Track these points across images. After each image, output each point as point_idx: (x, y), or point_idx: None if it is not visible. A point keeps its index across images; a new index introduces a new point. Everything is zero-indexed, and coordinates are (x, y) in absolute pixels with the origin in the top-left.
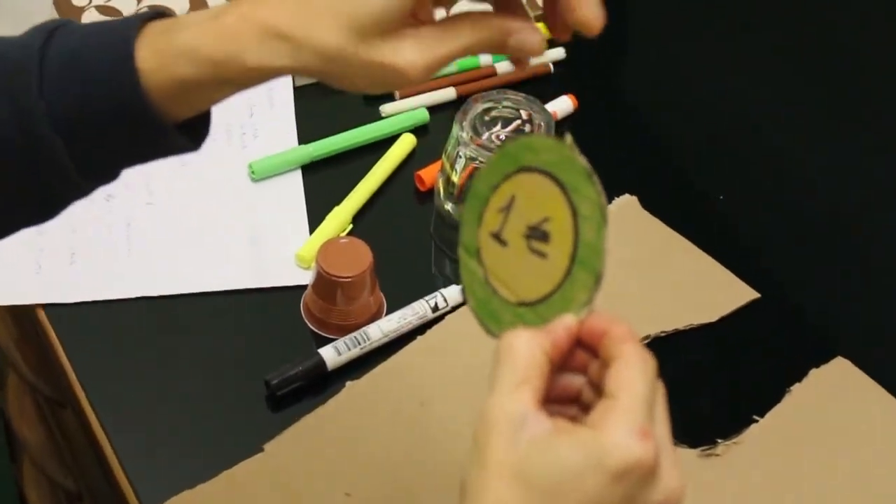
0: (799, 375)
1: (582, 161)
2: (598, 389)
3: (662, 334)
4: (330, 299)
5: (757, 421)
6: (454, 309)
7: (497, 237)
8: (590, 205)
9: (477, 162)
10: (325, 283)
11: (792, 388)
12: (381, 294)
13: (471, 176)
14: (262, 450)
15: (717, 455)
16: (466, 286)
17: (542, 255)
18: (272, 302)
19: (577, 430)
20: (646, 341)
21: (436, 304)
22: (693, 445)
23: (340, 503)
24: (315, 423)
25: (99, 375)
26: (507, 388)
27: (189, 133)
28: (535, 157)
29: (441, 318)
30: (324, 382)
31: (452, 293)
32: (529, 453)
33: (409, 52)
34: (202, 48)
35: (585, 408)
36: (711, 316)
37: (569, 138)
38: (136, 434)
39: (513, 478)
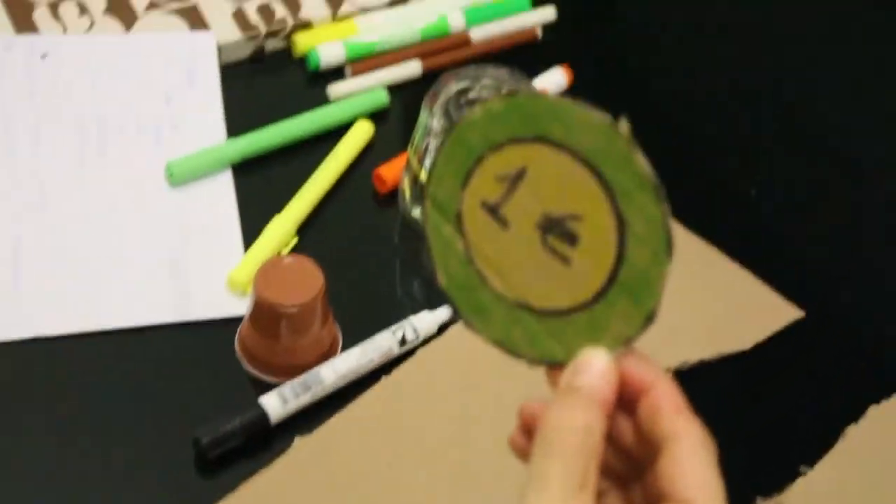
0: (855, 414)
1: (643, 163)
2: (630, 457)
3: (685, 367)
4: (272, 334)
5: (804, 473)
6: (426, 341)
7: (493, 211)
8: (648, 224)
9: None
10: (266, 314)
11: (847, 430)
12: (336, 326)
13: None
14: None
15: None
16: (437, 255)
17: (563, 258)
18: (199, 339)
19: None
20: None
21: (403, 336)
22: None
23: None
24: (257, 490)
25: None
26: (563, 495)
27: None
28: (567, 134)
29: (410, 353)
30: (267, 439)
31: (424, 322)
32: None
33: None
34: None
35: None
36: (745, 342)
37: (624, 125)
38: None
39: None
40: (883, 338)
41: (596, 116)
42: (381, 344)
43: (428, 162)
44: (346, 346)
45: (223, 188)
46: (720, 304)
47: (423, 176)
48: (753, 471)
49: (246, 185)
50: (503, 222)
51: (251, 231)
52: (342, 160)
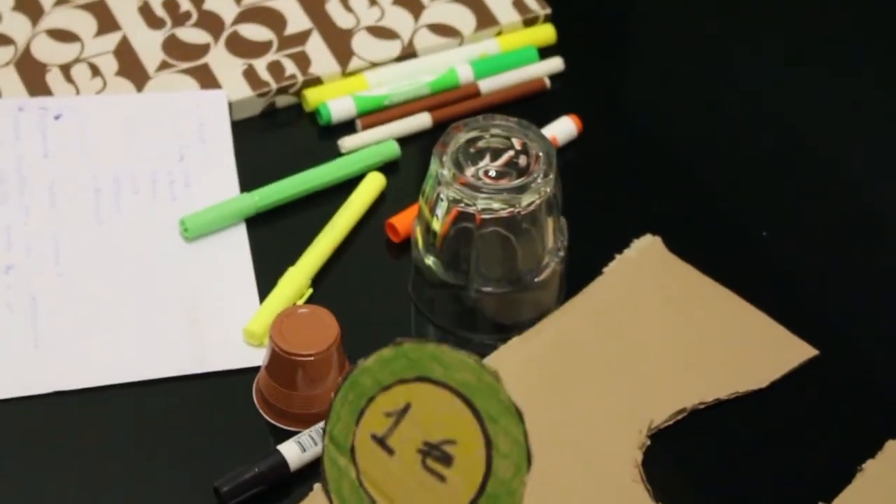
0: (872, 449)
1: (506, 393)
2: None
3: (701, 406)
4: (289, 383)
5: None
6: None
7: (381, 442)
8: (511, 443)
9: (461, 205)
10: (282, 364)
11: (864, 465)
12: None
13: (454, 223)
14: None
15: None
16: (332, 483)
17: (440, 477)
18: (217, 390)
19: None
20: (681, 416)
21: None
22: None
23: None
24: None
25: (8, 494)
26: None
27: None
28: (444, 373)
29: None
30: (286, 486)
31: None
32: None
33: None
34: None
35: None
36: (761, 380)
37: (492, 367)
38: None
39: None
40: None
41: (468, 358)
42: None
43: (440, 212)
44: None
45: (237, 241)
46: (735, 343)
47: (435, 225)
48: None
49: (260, 238)
50: (389, 451)
51: (266, 283)
52: (355, 211)
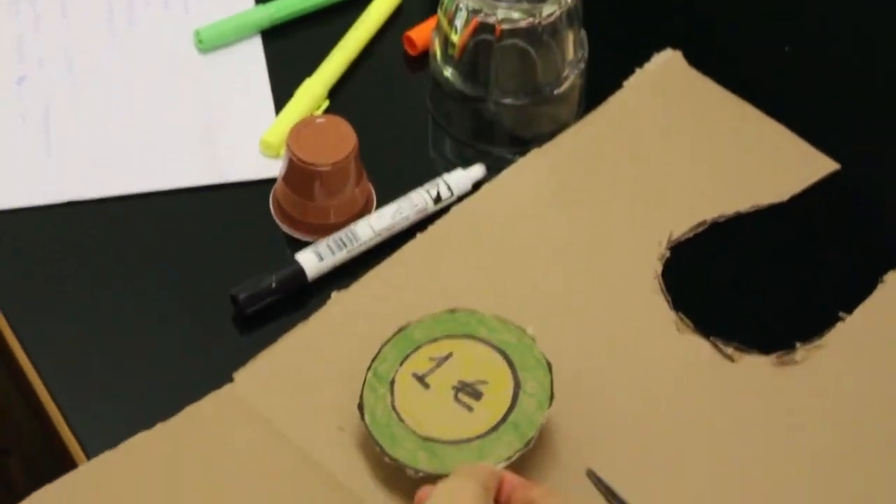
0: (892, 260)
1: (541, 352)
2: None
3: (721, 219)
4: (306, 193)
5: (843, 319)
6: (461, 199)
7: (420, 379)
8: (538, 386)
9: (481, 15)
10: (300, 174)
11: (885, 276)
12: (370, 184)
13: (473, 34)
14: (231, 379)
15: (796, 362)
16: (367, 404)
17: (468, 407)
18: (234, 200)
19: None
20: (702, 228)
21: (438, 193)
22: (766, 351)
23: (333, 439)
24: (295, 344)
25: (21, 302)
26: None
27: None
28: (488, 333)
29: (445, 210)
30: (303, 295)
31: (459, 180)
32: None
33: None
34: None
35: None
36: (781, 194)
37: (531, 330)
38: (74, 370)
39: None
40: None
41: (512, 325)
42: (416, 201)
43: (459, 23)
44: (380, 204)
45: (253, 53)
46: (755, 157)
47: (454, 36)
48: (793, 318)
49: (276, 51)
50: (426, 385)
51: (282, 95)
52: (372, 23)
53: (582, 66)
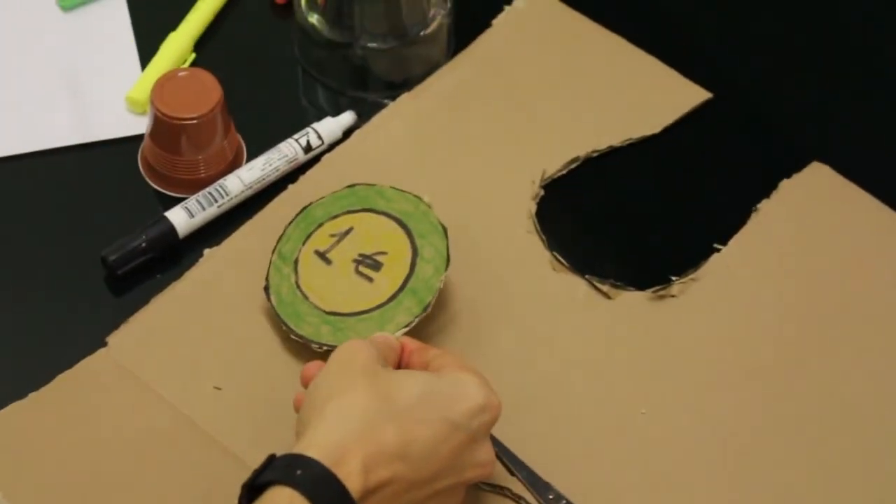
0: (767, 189)
1: (437, 218)
2: None
3: (595, 154)
4: (174, 148)
5: (719, 250)
6: (332, 147)
7: (322, 255)
8: (434, 252)
9: None
10: (166, 129)
11: (759, 205)
12: (238, 136)
13: None
14: (105, 343)
15: (673, 296)
16: (272, 285)
17: (368, 279)
18: (101, 159)
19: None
20: (575, 164)
21: (307, 142)
22: (642, 287)
23: (210, 399)
24: (168, 304)
25: None
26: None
27: None
28: (387, 204)
29: (316, 159)
30: (175, 253)
31: (328, 128)
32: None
33: None
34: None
35: None
36: (654, 126)
37: (427, 198)
38: None
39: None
40: (794, 113)
41: (409, 194)
42: (286, 151)
43: None
44: (250, 157)
45: (116, 10)
46: (628, 90)
47: None
48: (668, 251)
49: (140, 5)
50: (327, 261)
51: (148, 51)
52: None
53: (448, 5)
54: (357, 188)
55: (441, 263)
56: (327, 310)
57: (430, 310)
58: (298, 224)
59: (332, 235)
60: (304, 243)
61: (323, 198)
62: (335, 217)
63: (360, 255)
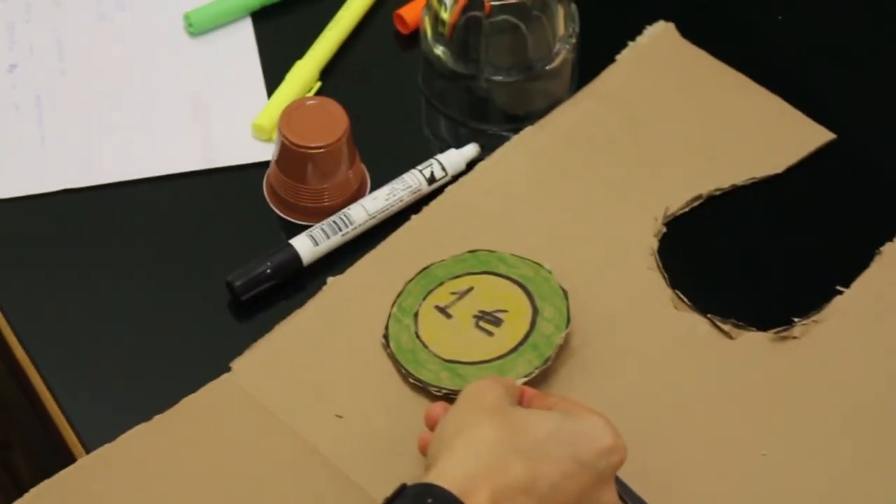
0: (890, 232)
1: (558, 282)
2: None
3: (717, 192)
4: (299, 176)
5: (841, 292)
6: (455, 178)
7: (442, 310)
8: (555, 311)
9: None
10: (292, 157)
11: (882, 248)
12: (363, 166)
13: (463, 11)
14: (228, 368)
15: (795, 338)
16: (392, 333)
17: (489, 333)
18: (227, 185)
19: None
20: (698, 202)
21: (432, 174)
22: (763, 328)
23: (331, 427)
24: (291, 331)
25: (18, 294)
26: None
27: None
28: (507, 269)
29: (440, 191)
30: (299, 280)
31: (453, 160)
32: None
33: None
34: None
35: None
36: (777, 166)
37: (548, 265)
38: (72, 362)
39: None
40: None
41: (530, 260)
42: (410, 182)
43: (448, 0)
44: (374, 187)
45: (243, 36)
46: (751, 128)
47: (444, 14)
48: (790, 292)
49: (266, 32)
50: (448, 315)
51: (274, 78)
52: (362, 2)
53: (573, 40)
54: (478, 253)
55: (562, 322)
56: (447, 358)
57: (550, 363)
58: (419, 281)
59: (453, 293)
60: (424, 298)
61: (444, 260)
62: (456, 277)
63: (481, 311)
